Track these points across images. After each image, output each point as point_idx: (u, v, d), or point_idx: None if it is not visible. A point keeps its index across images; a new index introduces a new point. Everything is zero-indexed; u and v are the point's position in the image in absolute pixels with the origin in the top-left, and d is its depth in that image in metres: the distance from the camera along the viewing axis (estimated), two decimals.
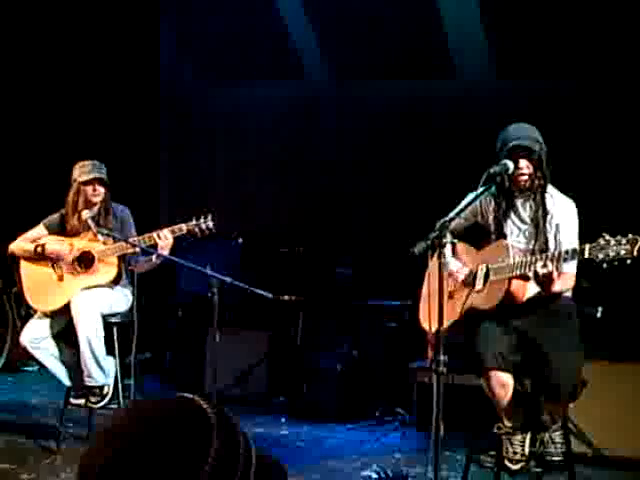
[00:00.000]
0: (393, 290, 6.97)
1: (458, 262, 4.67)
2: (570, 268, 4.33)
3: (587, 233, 4.14)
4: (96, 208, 5.58)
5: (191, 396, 1.32)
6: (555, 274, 4.12)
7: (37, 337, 5.52)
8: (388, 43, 7.87)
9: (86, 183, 5.56)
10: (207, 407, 1.29)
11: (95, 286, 5.52)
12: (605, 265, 3.83)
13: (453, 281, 4.61)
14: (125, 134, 8.52)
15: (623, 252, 3.79)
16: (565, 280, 4.32)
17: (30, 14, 8.43)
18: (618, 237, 3.82)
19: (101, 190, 5.58)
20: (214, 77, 8.77)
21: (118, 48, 8.54)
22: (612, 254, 3.80)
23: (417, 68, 7.85)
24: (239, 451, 1.28)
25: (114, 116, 8.55)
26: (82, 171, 5.57)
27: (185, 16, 8.84)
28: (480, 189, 4.23)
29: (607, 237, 3.83)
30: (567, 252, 4.06)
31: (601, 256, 3.83)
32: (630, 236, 3.81)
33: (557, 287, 4.25)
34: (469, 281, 4.57)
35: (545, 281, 4.19)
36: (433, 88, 7.82)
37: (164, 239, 5.31)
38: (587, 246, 3.92)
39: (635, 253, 3.77)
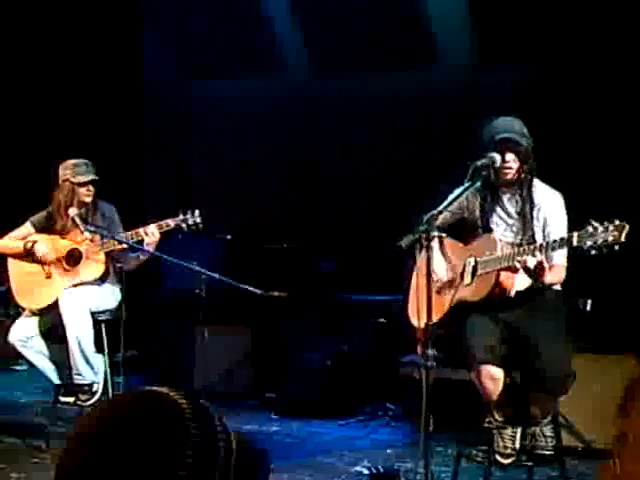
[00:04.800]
0: (380, 285, 6.94)
1: (442, 261, 4.63)
2: (560, 259, 4.32)
3: (575, 223, 4.12)
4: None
5: (164, 389, 1.30)
6: (546, 264, 4.11)
7: (26, 335, 5.51)
8: (370, 35, 7.82)
9: (82, 184, 5.54)
10: (180, 399, 1.28)
11: (83, 283, 5.51)
12: (594, 252, 3.81)
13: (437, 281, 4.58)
14: (109, 133, 8.47)
15: (611, 238, 3.77)
16: (556, 271, 4.31)
17: (14, 12, 8.37)
18: (605, 223, 3.80)
19: (93, 190, 5.59)
20: (197, 75, 8.75)
21: (101, 47, 8.49)
22: (600, 241, 3.78)
23: (400, 58, 7.79)
24: (217, 444, 1.26)
25: (98, 115, 8.51)
26: (77, 172, 5.55)
27: (168, 15, 8.82)
28: (467, 183, 4.22)
29: (594, 224, 3.81)
30: (555, 241, 4.05)
31: (589, 243, 3.81)
32: (617, 222, 3.79)
33: (548, 278, 4.23)
34: (457, 276, 4.56)
35: (536, 272, 4.17)
36: (417, 79, 7.78)
37: (151, 235, 5.30)
38: (575, 234, 3.91)
39: (622, 239, 3.75)
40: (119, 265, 5.60)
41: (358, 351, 6.86)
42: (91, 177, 5.56)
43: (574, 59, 7.05)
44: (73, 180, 5.55)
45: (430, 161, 7.25)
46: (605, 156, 6.83)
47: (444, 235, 4.45)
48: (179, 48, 8.80)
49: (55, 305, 5.47)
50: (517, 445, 4.43)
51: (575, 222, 4.01)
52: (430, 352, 3.84)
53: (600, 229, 3.80)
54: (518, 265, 4.18)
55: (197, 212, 5.38)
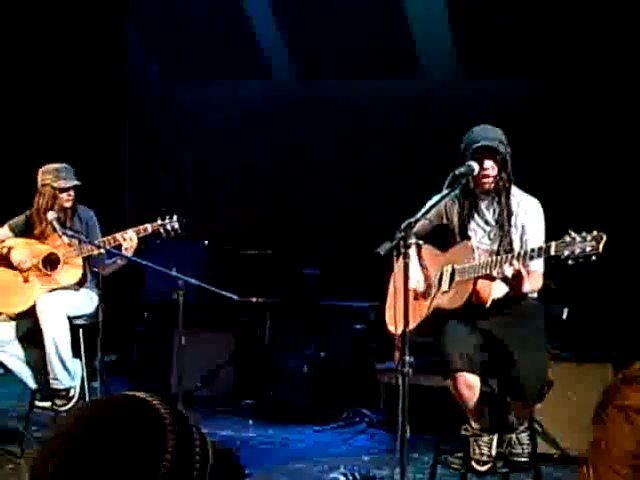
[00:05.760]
0: (361, 291, 6.95)
1: (417, 271, 4.62)
2: (538, 267, 4.34)
3: (555, 232, 4.14)
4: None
5: (143, 395, 1.30)
6: (524, 272, 4.12)
7: (2, 340, 5.47)
8: (355, 43, 7.86)
9: (63, 190, 5.52)
10: (160, 406, 1.27)
11: (60, 288, 5.49)
12: (571, 262, 3.83)
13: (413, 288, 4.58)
14: (91, 135, 8.44)
15: (589, 249, 3.80)
16: (533, 280, 4.32)
17: None
18: (583, 234, 3.83)
19: (73, 195, 5.56)
20: (181, 77, 8.74)
21: (85, 49, 8.47)
22: (578, 251, 3.81)
23: (383, 68, 7.84)
24: (195, 450, 1.26)
25: (81, 117, 8.48)
26: (58, 177, 5.51)
27: (152, 16, 8.80)
28: (445, 190, 4.24)
29: (572, 234, 3.84)
30: (533, 250, 4.07)
31: (567, 253, 3.84)
32: (595, 233, 3.82)
33: (527, 287, 4.25)
34: (434, 284, 4.57)
35: (515, 281, 4.18)
36: (399, 88, 7.82)
37: (128, 241, 5.29)
38: (553, 243, 3.93)
39: (600, 249, 3.78)
40: (96, 270, 5.59)
41: (338, 357, 6.85)
42: (74, 183, 5.55)
43: (558, 73, 7.11)
44: (55, 185, 5.52)
45: (413, 169, 7.27)
46: (588, 167, 6.89)
47: (421, 242, 4.46)
48: (162, 49, 8.78)
49: (32, 310, 5.43)
50: (493, 452, 4.43)
51: (558, 232, 4.01)
52: (407, 359, 3.85)
53: (578, 239, 3.82)
54: (495, 273, 4.20)
55: (175, 217, 5.38)
